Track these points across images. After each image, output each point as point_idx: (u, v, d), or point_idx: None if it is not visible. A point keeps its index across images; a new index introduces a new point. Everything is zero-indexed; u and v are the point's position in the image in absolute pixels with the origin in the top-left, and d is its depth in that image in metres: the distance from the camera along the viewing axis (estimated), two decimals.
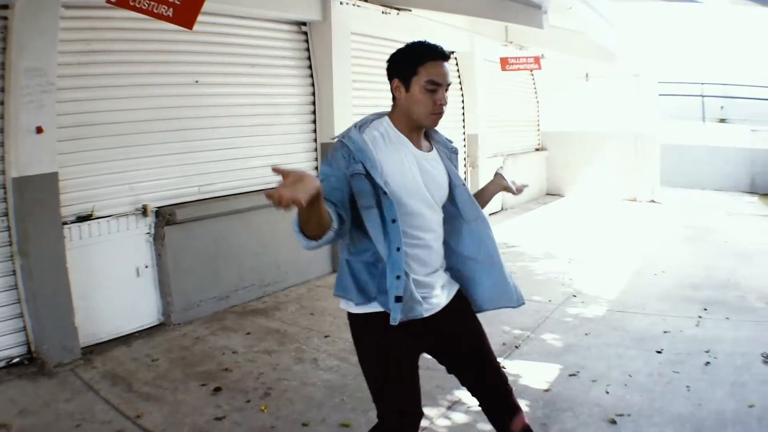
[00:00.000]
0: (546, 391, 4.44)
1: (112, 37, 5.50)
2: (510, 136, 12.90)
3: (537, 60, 11.09)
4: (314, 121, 7.71)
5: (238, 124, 6.70)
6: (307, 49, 7.56)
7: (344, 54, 7.67)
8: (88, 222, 5.39)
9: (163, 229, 5.86)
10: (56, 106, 4.91)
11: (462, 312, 2.78)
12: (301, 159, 7.54)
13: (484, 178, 11.06)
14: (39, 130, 4.76)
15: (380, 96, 8.85)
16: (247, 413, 4.27)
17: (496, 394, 2.77)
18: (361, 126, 2.60)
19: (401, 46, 2.61)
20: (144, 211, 5.76)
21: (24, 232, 4.83)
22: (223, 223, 6.39)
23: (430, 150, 2.71)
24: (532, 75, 13.58)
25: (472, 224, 2.76)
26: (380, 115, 2.67)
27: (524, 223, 11.23)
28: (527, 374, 4.71)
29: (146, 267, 5.87)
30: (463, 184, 2.77)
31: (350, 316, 2.68)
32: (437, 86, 2.51)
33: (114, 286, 5.60)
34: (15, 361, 4.97)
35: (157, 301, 5.97)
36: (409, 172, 2.56)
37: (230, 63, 6.59)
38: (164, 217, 5.86)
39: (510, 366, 4.85)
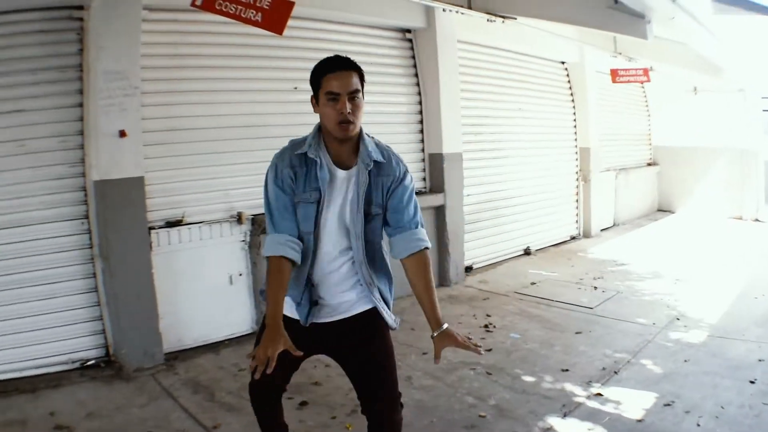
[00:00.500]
0: (639, 421, 3.86)
1: (202, 41, 4.93)
2: (622, 150, 11.61)
3: (646, 72, 9.84)
4: (422, 131, 6.89)
5: None
6: (413, 57, 6.75)
7: (451, 62, 6.81)
8: (178, 227, 4.83)
9: (259, 237, 5.22)
10: (141, 110, 4.38)
11: (364, 330, 2.63)
12: (411, 170, 6.71)
13: (596, 193, 9.98)
14: (122, 134, 4.25)
15: (491, 107, 7.93)
16: (331, 430, 3.74)
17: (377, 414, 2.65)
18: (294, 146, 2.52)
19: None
20: (239, 219, 5.16)
21: (105, 235, 4.33)
22: None
23: (353, 167, 2.52)
24: (643, 87, 12.22)
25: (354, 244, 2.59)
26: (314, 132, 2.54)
27: (634, 240, 10.08)
28: (623, 402, 4.13)
29: (240, 275, 5.25)
30: (359, 209, 2.53)
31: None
32: (336, 96, 2.36)
33: (204, 293, 5.02)
34: (90, 363, 4.47)
35: (251, 310, 5.34)
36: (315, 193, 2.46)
37: None
38: (260, 225, 5.23)
39: (607, 393, 4.28)
